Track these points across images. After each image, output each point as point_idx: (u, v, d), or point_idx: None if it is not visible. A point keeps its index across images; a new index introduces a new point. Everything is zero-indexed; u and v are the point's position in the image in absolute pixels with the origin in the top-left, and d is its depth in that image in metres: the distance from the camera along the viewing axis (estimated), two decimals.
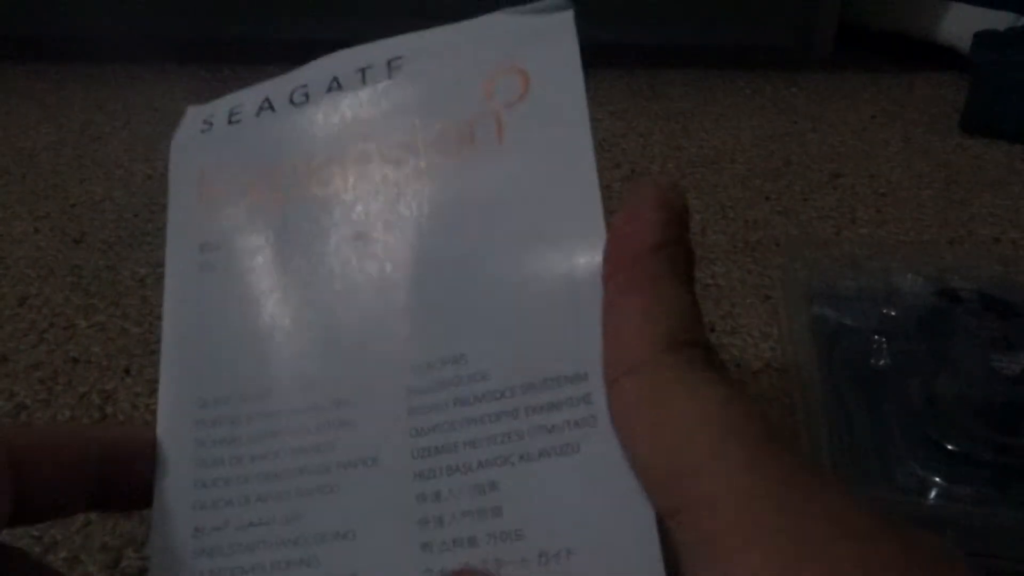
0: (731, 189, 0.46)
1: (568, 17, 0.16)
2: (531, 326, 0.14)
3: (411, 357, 0.14)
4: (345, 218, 0.16)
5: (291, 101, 0.17)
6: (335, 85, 0.16)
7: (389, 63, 0.16)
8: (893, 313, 0.30)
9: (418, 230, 0.15)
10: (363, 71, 0.16)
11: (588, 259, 0.14)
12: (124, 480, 0.14)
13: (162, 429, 0.15)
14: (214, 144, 0.17)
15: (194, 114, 0.18)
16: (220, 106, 0.18)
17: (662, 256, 0.13)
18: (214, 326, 0.16)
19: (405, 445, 0.14)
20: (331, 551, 0.14)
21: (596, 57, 0.62)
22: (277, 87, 0.17)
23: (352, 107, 0.16)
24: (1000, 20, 0.58)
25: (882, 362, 0.28)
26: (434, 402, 0.14)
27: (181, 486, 0.15)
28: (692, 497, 0.11)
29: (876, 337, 0.29)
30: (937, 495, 0.22)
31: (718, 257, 0.39)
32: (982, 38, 0.56)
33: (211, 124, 0.17)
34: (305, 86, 0.17)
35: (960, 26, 0.62)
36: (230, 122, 0.17)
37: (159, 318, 0.35)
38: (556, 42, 0.16)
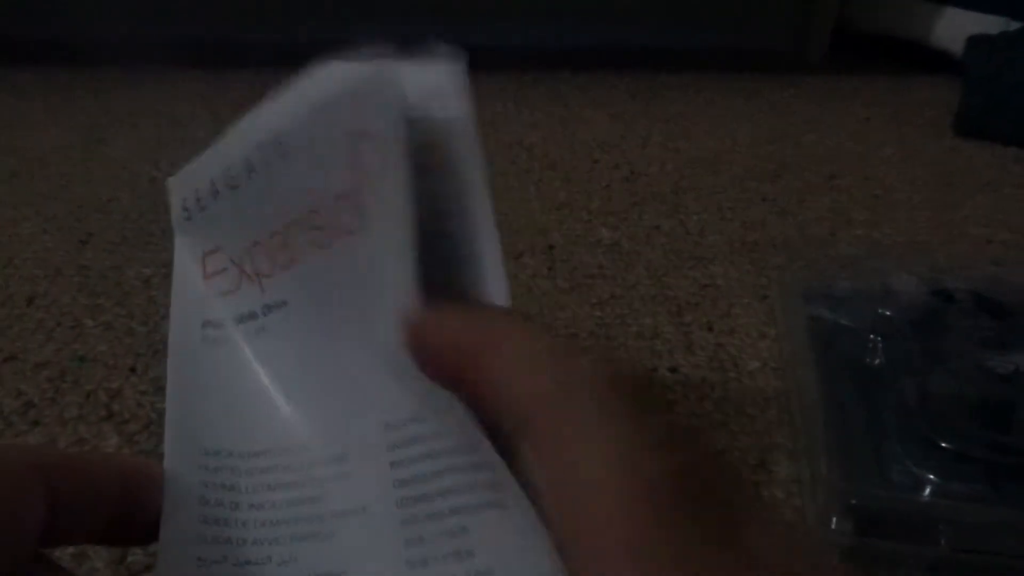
0: (728, 190, 0.47)
1: (456, 81, 0.16)
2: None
3: (385, 416, 0.16)
4: (298, 291, 0.17)
5: (229, 185, 0.18)
6: (251, 166, 0.17)
7: (276, 147, 0.17)
8: (888, 313, 0.30)
9: (337, 308, 0.17)
10: (263, 147, 0.17)
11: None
12: (140, 511, 0.15)
13: (170, 464, 0.16)
14: (199, 228, 0.18)
15: (177, 194, 0.19)
16: (188, 189, 0.18)
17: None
18: (214, 392, 0.17)
19: (390, 495, 0.16)
20: None
21: (596, 60, 0.62)
22: (217, 166, 0.18)
23: (270, 185, 0.17)
24: (992, 24, 0.59)
25: (877, 361, 0.28)
26: (409, 456, 0.16)
27: (187, 518, 0.16)
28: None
29: (871, 336, 0.29)
30: (931, 492, 0.22)
31: (716, 257, 0.40)
32: (975, 42, 0.56)
33: (189, 211, 0.18)
34: (229, 168, 0.17)
35: (953, 30, 0.63)
36: (200, 208, 0.18)
37: (164, 317, 0.35)
38: (455, 123, 0.17)
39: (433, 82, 0.16)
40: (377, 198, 0.16)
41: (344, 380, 0.17)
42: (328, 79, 0.17)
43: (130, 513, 0.15)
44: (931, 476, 0.23)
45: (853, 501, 0.22)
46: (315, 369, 0.17)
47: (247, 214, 0.17)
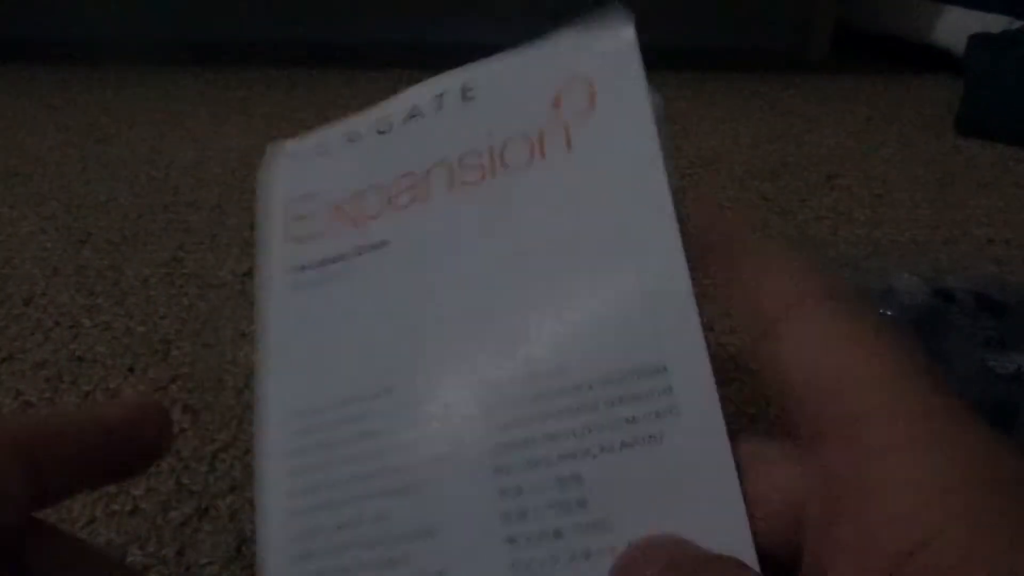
0: (729, 190, 0.47)
1: (630, 33, 0.17)
2: (607, 324, 0.14)
3: (490, 354, 0.15)
4: (421, 230, 0.17)
5: (377, 131, 0.18)
6: (415, 111, 0.18)
7: (463, 90, 0.17)
8: (889, 312, 0.30)
9: (492, 239, 0.16)
10: (439, 97, 0.18)
11: (663, 260, 0.15)
12: (130, 450, 0.15)
13: (261, 444, 0.16)
14: (302, 174, 0.18)
15: (278, 149, 0.19)
16: (308, 141, 0.19)
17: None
18: (306, 340, 0.17)
19: (485, 440, 0.14)
20: (417, 549, 0.14)
21: None
22: (365, 120, 0.18)
23: (430, 130, 0.17)
24: (993, 23, 0.59)
25: None
26: (512, 397, 0.14)
27: (278, 494, 0.15)
28: (854, 411, 0.11)
29: None
30: None
31: None
32: (976, 41, 0.56)
33: (297, 157, 0.18)
34: (389, 115, 0.18)
35: (954, 29, 0.63)
36: (318, 154, 0.18)
37: (163, 317, 0.35)
38: (620, 56, 0.17)
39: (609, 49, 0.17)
40: (591, 132, 0.16)
41: (443, 321, 0.15)
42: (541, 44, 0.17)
43: (121, 454, 0.15)
44: None
45: None
46: (409, 310, 0.16)
47: (378, 156, 0.17)
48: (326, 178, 0.18)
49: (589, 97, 0.16)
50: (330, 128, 0.19)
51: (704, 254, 0.14)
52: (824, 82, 0.66)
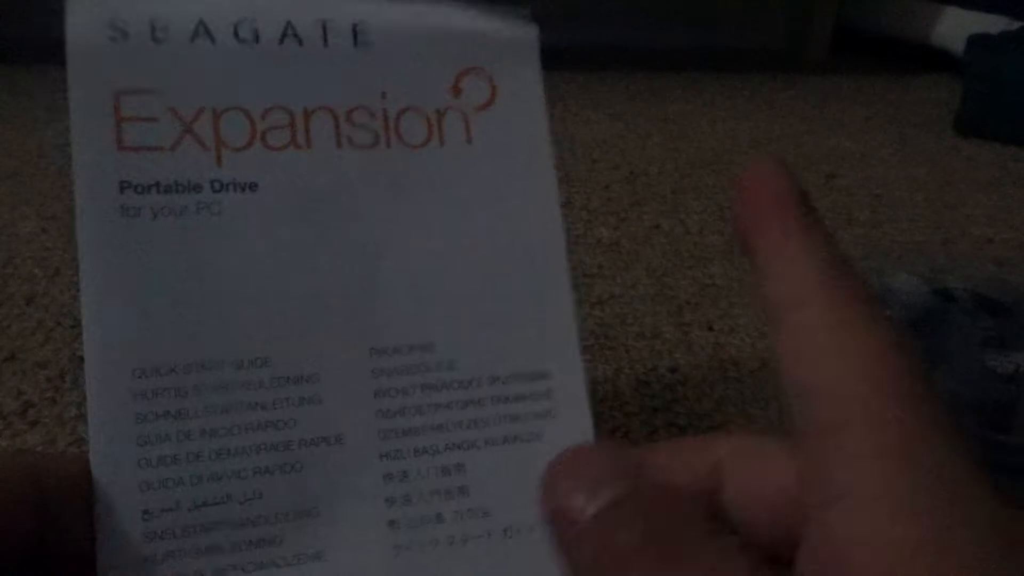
0: (728, 190, 0.47)
1: (533, 34, 0.16)
2: (498, 323, 0.15)
3: (375, 339, 0.15)
4: (300, 180, 0.15)
5: (235, 35, 0.15)
6: (291, 33, 0.15)
7: (354, 28, 0.16)
8: (888, 312, 0.30)
9: (382, 212, 0.15)
10: (324, 27, 0.15)
11: (552, 265, 0.15)
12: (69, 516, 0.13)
13: (93, 406, 0.14)
14: (133, 61, 0.14)
15: (91, 11, 0.14)
16: (134, 11, 0.15)
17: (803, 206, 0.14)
18: (144, 281, 0.14)
19: (372, 425, 0.14)
20: (295, 529, 0.14)
21: (596, 60, 0.62)
22: (214, 11, 0.15)
23: (311, 65, 0.15)
24: (993, 24, 0.59)
25: None
26: (401, 385, 0.15)
27: (123, 466, 0.13)
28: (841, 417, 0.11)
29: None
30: None
31: (715, 257, 0.40)
32: (975, 41, 0.56)
33: (126, 34, 0.14)
34: (254, 22, 0.15)
35: (954, 30, 0.63)
36: (154, 39, 0.14)
37: None
38: (523, 56, 0.16)
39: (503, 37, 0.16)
40: (491, 127, 0.16)
41: (324, 292, 0.14)
42: (451, 12, 0.16)
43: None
44: None
45: None
46: (284, 271, 0.14)
47: (240, 72, 0.15)
48: (170, 75, 0.14)
49: (490, 91, 0.16)
50: (168, 5, 0.15)
51: (749, 225, 0.14)
52: (823, 83, 0.67)
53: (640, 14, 0.75)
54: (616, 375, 0.31)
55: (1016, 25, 0.58)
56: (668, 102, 0.61)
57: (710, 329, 0.34)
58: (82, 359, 0.33)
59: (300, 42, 0.15)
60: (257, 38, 0.15)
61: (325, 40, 0.15)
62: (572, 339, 0.15)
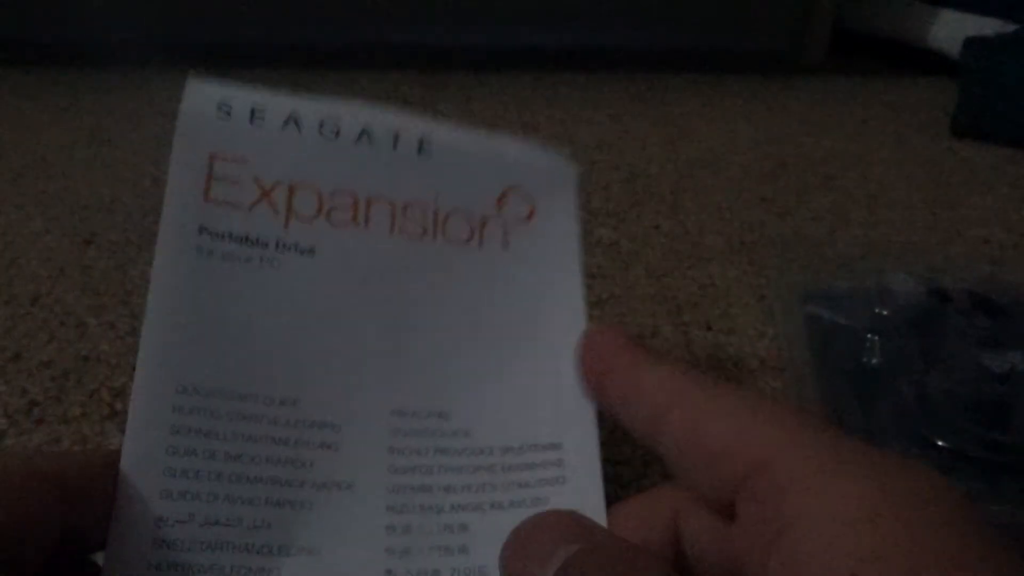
0: (727, 191, 0.47)
1: (573, 172, 0.19)
2: (514, 398, 0.16)
3: (397, 401, 0.16)
4: (354, 253, 0.17)
5: (320, 129, 0.18)
6: (366, 135, 0.18)
7: (420, 142, 0.18)
8: (885, 312, 0.31)
9: (420, 293, 0.17)
10: (395, 135, 0.18)
11: (570, 353, 0.17)
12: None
13: (136, 411, 0.15)
14: (232, 134, 0.17)
15: (204, 91, 0.18)
16: (240, 97, 0.18)
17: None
18: (205, 312, 0.16)
19: (382, 478, 0.15)
20: (295, 564, 0.14)
21: (594, 60, 0.62)
22: (306, 108, 0.18)
23: (379, 162, 0.18)
24: (989, 26, 0.59)
25: (874, 360, 0.28)
26: (415, 446, 0.16)
27: (150, 472, 0.14)
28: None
29: (869, 336, 0.29)
30: None
31: (714, 257, 0.40)
32: (972, 43, 0.57)
33: (230, 113, 0.17)
34: (337, 122, 0.18)
35: (950, 32, 0.63)
36: (252, 120, 0.17)
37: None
38: (562, 185, 0.19)
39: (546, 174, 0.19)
40: (526, 238, 0.18)
41: (359, 352, 0.16)
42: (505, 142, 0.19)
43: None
44: None
45: None
46: (326, 327, 0.16)
47: (318, 158, 0.17)
48: (259, 150, 0.17)
49: (528, 211, 0.18)
50: (268, 97, 0.18)
51: (602, 375, 0.16)
52: (821, 84, 0.67)
53: (639, 15, 0.75)
54: None
55: (1012, 28, 0.58)
56: (667, 103, 0.62)
57: (709, 329, 0.34)
58: (86, 358, 0.34)
59: (372, 143, 0.18)
60: (337, 134, 0.18)
61: (395, 145, 0.18)
62: (588, 414, 0.16)
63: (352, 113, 0.18)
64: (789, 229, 0.43)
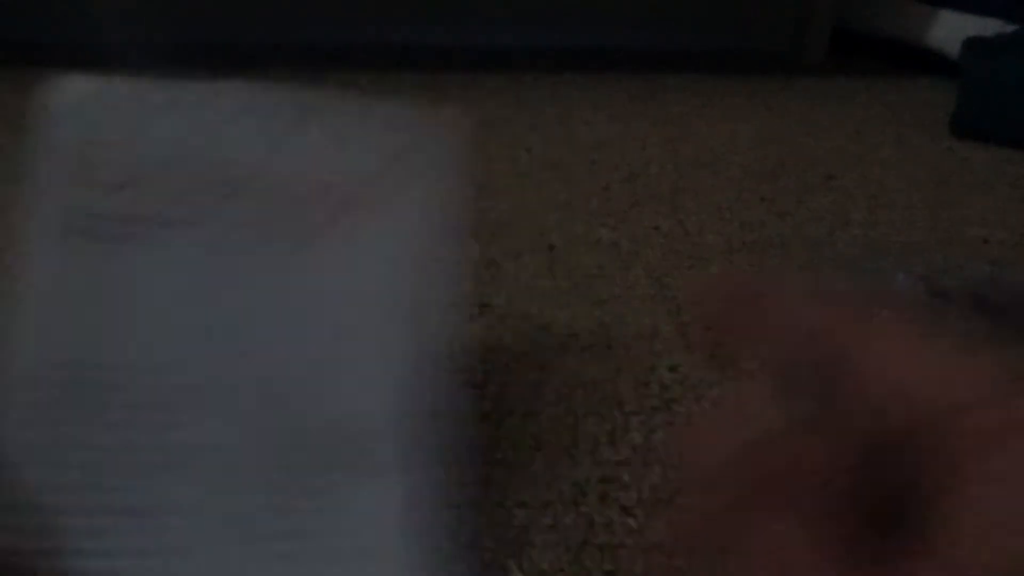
0: (727, 191, 0.47)
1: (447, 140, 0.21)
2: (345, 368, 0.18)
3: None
4: (239, 240, 0.18)
5: (197, 106, 0.19)
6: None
7: (300, 111, 0.20)
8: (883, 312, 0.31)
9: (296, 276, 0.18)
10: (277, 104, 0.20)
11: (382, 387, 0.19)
12: None
13: (9, 383, 0.16)
14: (96, 115, 0.18)
15: (68, 84, 0.19)
16: (95, 85, 0.19)
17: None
18: (75, 291, 0.17)
19: (249, 443, 0.17)
20: (165, 520, 0.16)
21: (594, 62, 0.62)
22: (188, 94, 0.19)
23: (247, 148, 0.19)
24: (988, 26, 0.59)
25: None
26: (276, 415, 0.17)
27: (23, 442, 0.16)
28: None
29: None
30: None
31: (714, 257, 0.40)
32: (971, 44, 0.57)
33: (88, 98, 0.19)
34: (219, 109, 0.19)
35: (950, 32, 0.63)
36: (111, 102, 0.19)
37: None
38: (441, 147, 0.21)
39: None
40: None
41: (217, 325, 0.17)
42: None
43: None
44: None
45: None
46: (199, 302, 0.17)
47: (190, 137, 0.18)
48: (124, 131, 0.18)
49: (407, 175, 0.20)
50: (117, 81, 0.19)
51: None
52: (821, 84, 0.67)
53: (639, 16, 0.75)
54: (615, 375, 0.31)
55: (1011, 28, 0.58)
56: (667, 103, 0.62)
57: (709, 329, 0.34)
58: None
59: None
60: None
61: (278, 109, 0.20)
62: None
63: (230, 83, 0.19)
64: (789, 229, 0.43)
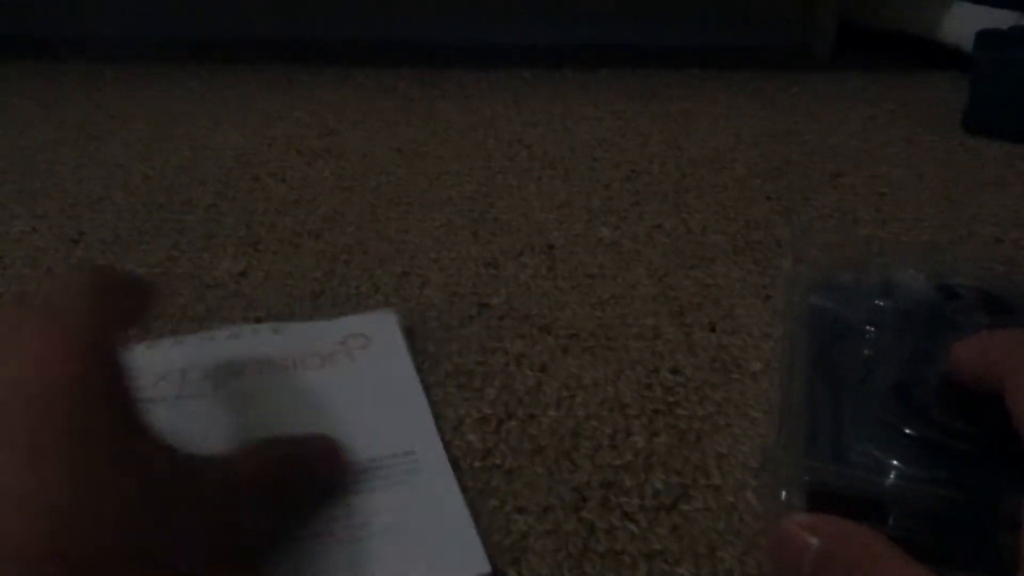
0: (731, 189, 0.46)
1: (394, 316, 0.31)
2: (378, 427, 0.25)
3: None
4: (234, 394, 0.27)
5: (198, 339, 0.30)
6: (233, 337, 0.30)
7: (275, 329, 0.30)
8: (885, 305, 0.30)
9: (289, 398, 0.27)
10: (254, 330, 0.30)
11: (415, 403, 0.27)
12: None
13: None
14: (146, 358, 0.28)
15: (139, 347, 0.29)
16: (143, 345, 0.29)
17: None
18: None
19: None
20: None
21: (596, 58, 0.62)
22: (191, 337, 0.30)
23: (246, 343, 0.29)
24: (1002, 19, 0.58)
25: (866, 351, 0.28)
26: None
27: None
28: None
29: (866, 327, 0.28)
30: (885, 474, 0.22)
31: (718, 257, 0.39)
32: (984, 37, 0.56)
33: (142, 350, 0.29)
34: (212, 336, 0.30)
35: (962, 25, 0.62)
36: (147, 348, 0.29)
37: (157, 318, 0.34)
38: (388, 324, 0.31)
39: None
40: (366, 355, 0.29)
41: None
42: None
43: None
44: (891, 461, 0.22)
45: (806, 477, 0.22)
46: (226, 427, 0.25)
47: (202, 352, 0.28)
48: (148, 364, 0.27)
49: (365, 342, 0.29)
50: (148, 346, 0.29)
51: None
52: (828, 79, 0.66)
53: (641, 11, 0.74)
54: (617, 376, 0.30)
55: None
56: (669, 100, 0.61)
57: (712, 330, 0.33)
58: None
59: (239, 337, 0.30)
60: (213, 339, 0.30)
61: (255, 333, 0.30)
62: (432, 430, 0.26)
63: (224, 328, 0.31)
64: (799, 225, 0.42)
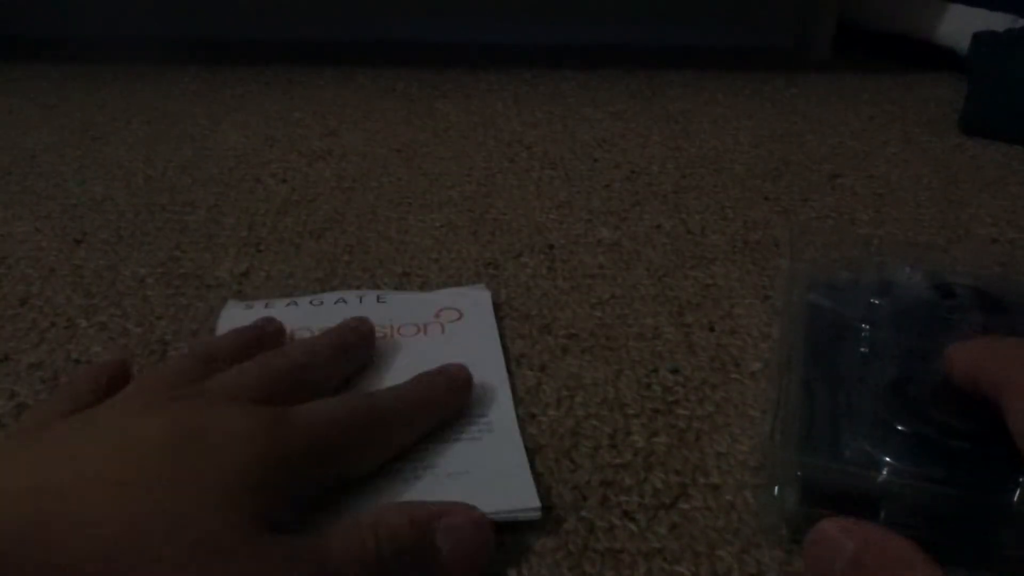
0: (730, 189, 0.46)
1: (487, 293, 0.34)
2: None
3: None
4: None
5: (310, 303, 0.33)
6: (341, 301, 0.33)
7: (378, 297, 0.33)
8: (881, 303, 0.30)
9: (390, 361, 0.30)
10: (360, 297, 0.33)
11: (497, 377, 0.29)
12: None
13: None
14: (251, 315, 0.31)
15: (235, 303, 0.33)
16: (258, 303, 0.33)
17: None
18: None
19: None
20: None
21: (596, 58, 0.62)
22: (302, 298, 0.33)
23: (349, 310, 0.32)
24: (998, 21, 0.58)
25: (862, 349, 0.28)
26: None
27: None
28: None
29: (863, 325, 0.29)
30: (879, 470, 0.22)
31: (717, 257, 0.39)
32: (981, 39, 0.56)
33: (251, 307, 0.33)
34: (321, 300, 0.33)
35: (959, 27, 0.62)
36: (266, 307, 0.33)
37: (159, 318, 0.35)
38: (481, 300, 0.34)
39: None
40: (458, 327, 0.32)
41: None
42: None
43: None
44: (884, 457, 0.23)
45: (799, 472, 0.23)
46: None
47: (312, 315, 0.32)
48: (272, 315, 0.31)
49: (458, 315, 0.32)
50: (278, 301, 0.33)
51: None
52: (826, 81, 0.66)
53: (641, 12, 0.74)
54: (617, 376, 0.30)
55: (1021, 23, 0.57)
56: (669, 100, 0.61)
57: (712, 330, 0.33)
58: (77, 359, 0.33)
59: (346, 302, 0.33)
60: (322, 304, 0.33)
61: (360, 301, 0.33)
62: (508, 402, 0.28)
63: (331, 294, 0.34)
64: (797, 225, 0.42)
